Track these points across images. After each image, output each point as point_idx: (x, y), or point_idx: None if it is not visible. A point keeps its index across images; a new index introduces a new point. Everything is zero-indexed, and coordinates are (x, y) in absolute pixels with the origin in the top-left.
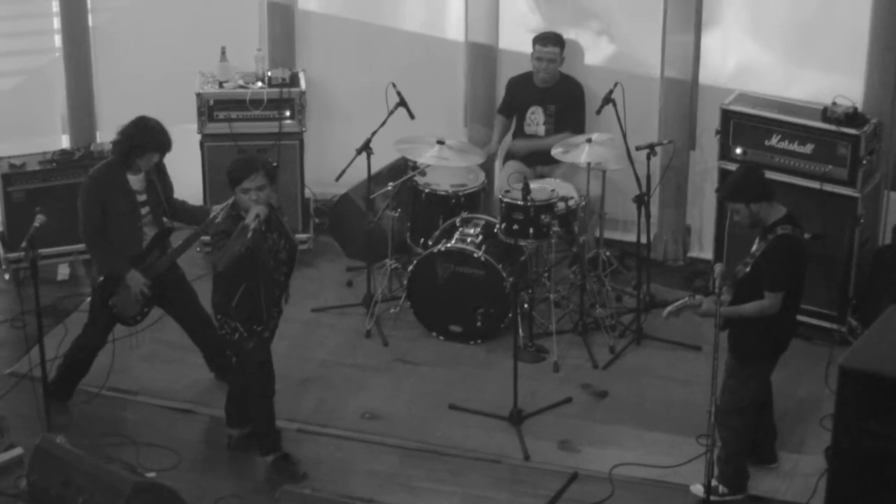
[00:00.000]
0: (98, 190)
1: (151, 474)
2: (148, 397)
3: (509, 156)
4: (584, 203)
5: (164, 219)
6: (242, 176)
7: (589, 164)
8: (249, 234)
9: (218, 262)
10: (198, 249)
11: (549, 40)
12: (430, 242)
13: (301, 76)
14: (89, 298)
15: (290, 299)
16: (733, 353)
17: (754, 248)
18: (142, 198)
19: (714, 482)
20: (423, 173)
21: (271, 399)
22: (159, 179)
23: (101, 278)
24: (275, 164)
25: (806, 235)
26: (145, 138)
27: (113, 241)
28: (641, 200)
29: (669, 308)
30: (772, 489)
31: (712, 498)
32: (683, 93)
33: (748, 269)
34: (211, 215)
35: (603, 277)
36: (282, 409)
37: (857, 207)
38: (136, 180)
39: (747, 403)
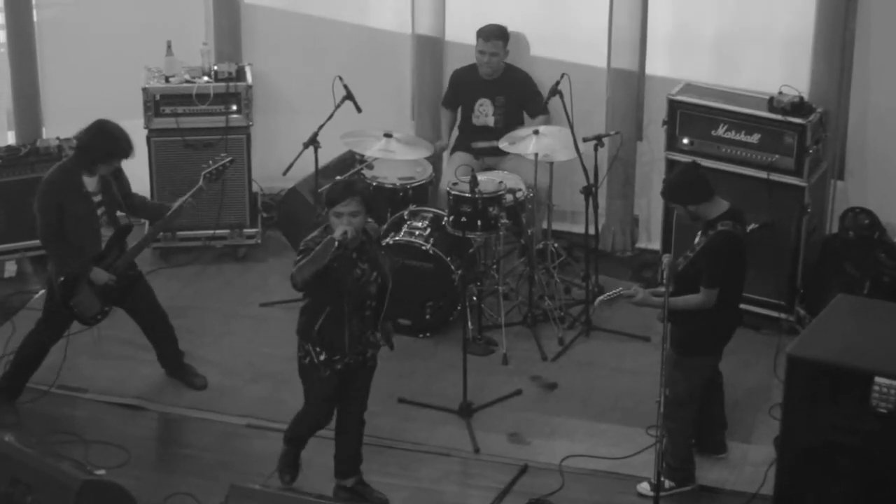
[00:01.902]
0: (55, 193)
1: (101, 472)
2: (97, 394)
3: (457, 148)
4: (531, 195)
5: (120, 215)
6: (338, 199)
7: (536, 155)
8: (334, 248)
9: (296, 275)
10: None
11: (491, 34)
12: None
13: (247, 70)
14: (40, 294)
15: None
16: (675, 345)
17: (696, 241)
18: (97, 198)
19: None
20: (370, 166)
21: (314, 429)
22: (115, 178)
23: (61, 279)
24: (227, 158)
25: (752, 225)
26: (111, 146)
27: (71, 242)
28: (589, 192)
29: (602, 297)
30: (721, 479)
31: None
32: (630, 83)
33: (687, 263)
34: (171, 210)
35: (551, 269)
36: (232, 403)
37: (804, 197)
38: (90, 181)
39: (689, 396)
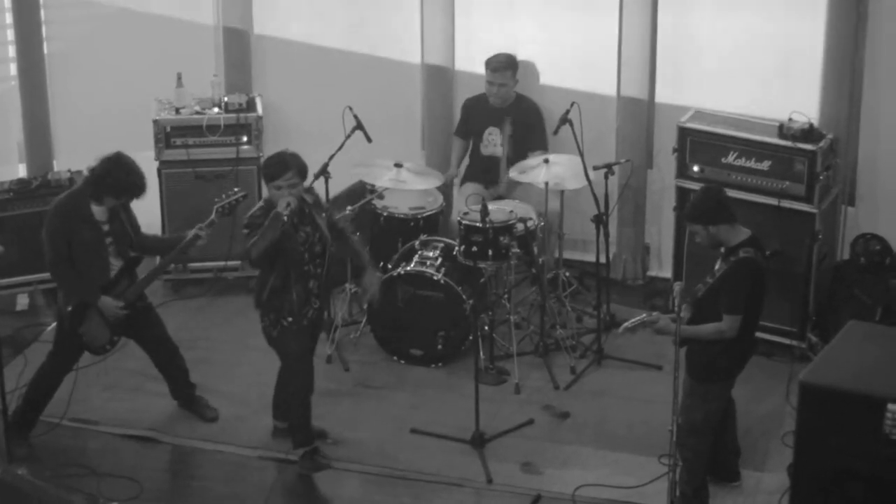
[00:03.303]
0: (63, 220)
1: None
2: (109, 426)
3: (467, 178)
4: (542, 224)
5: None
6: (276, 173)
7: (547, 184)
8: (282, 222)
9: (251, 249)
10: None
11: (500, 65)
12: (389, 266)
13: (258, 101)
14: (52, 327)
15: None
16: (690, 372)
17: (716, 267)
18: (105, 227)
19: None
20: (381, 196)
21: (308, 394)
22: (124, 209)
23: (70, 308)
24: (240, 193)
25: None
26: (124, 181)
27: (81, 272)
28: (600, 220)
29: (626, 324)
30: None
31: None
32: (640, 111)
33: (707, 290)
34: (182, 243)
35: (563, 298)
36: (243, 435)
37: (815, 223)
38: (99, 211)
39: (704, 423)
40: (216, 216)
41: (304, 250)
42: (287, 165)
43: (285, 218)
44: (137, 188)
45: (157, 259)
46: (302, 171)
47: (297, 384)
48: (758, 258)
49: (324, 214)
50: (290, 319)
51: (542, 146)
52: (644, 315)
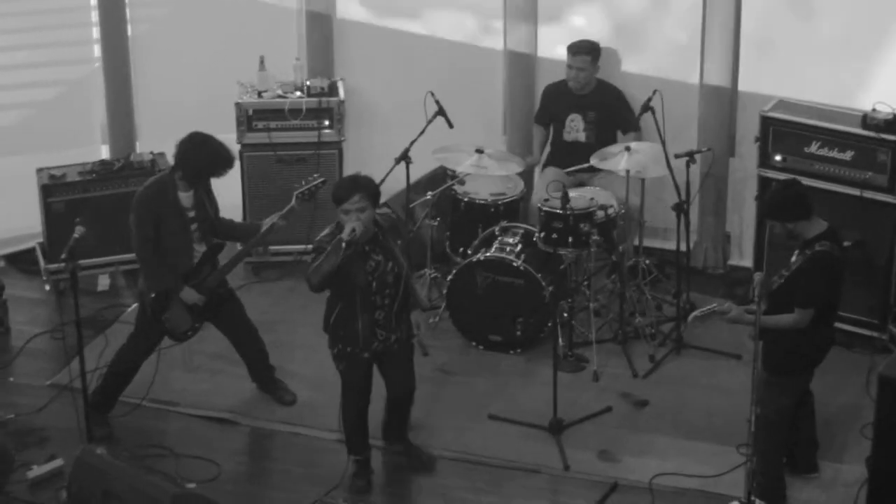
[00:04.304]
0: (150, 206)
1: (191, 485)
2: (189, 408)
3: (548, 164)
4: (623, 211)
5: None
6: (344, 196)
7: (628, 172)
8: (343, 248)
9: (311, 277)
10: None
11: (580, 49)
12: (469, 252)
13: (340, 85)
14: (132, 308)
15: (417, 330)
16: (765, 365)
17: (793, 259)
18: (191, 214)
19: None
20: (461, 182)
21: (352, 416)
22: (207, 196)
23: (153, 296)
24: (320, 179)
25: (845, 243)
26: (213, 156)
27: (165, 257)
28: (681, 208)
29: (696, 313)
30: (812, 499)
31: None
32: (723, 100)
33: (782, 282)
34: (262, 230)
35: (643, 286)
36: (321, 418)
37: None
38: (186, 197)
39: (778, 416)
40: (296, 202)
41: (371, 279)
42: (355, 188)
43: (344, 245)
44: (229, 160)
45: (238, 245)
46: (373, 195)
47: (345, 408)
48: (834, 251)
49: (400, 242)
50: (349, 349)
51: (636, 127)
52: (714, 304)
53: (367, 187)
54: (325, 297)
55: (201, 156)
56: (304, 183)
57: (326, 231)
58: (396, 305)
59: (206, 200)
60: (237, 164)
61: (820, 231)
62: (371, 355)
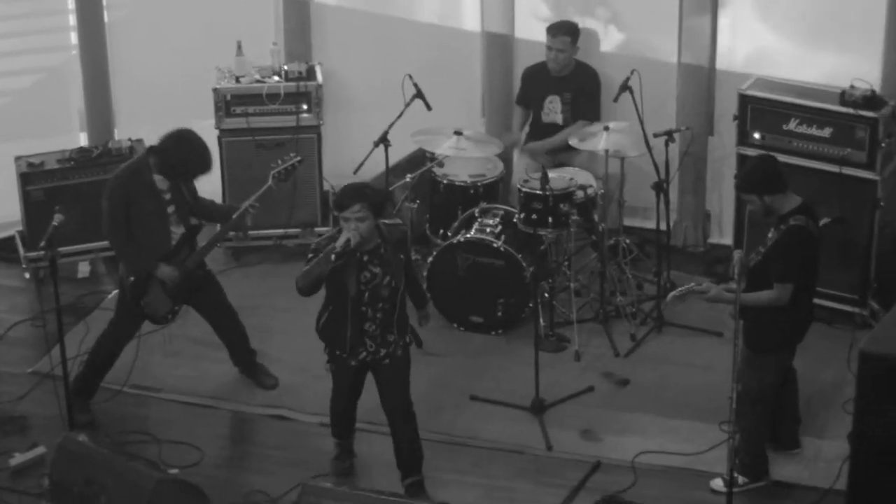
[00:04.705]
0: (123, 190)
1: (174, 471)
2: (170, 394)
3: (527, 145)
4: (602, 191)
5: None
6: (345, 203)
7: (607, 151)
8: (332, 258)
9: (299, 280)
10: (218, 245)
11: (559, 30)
12: (449, 233)
13: (317, 69)
14: (113, 295)
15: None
16: (746, 342)
17: (769, 236)
18: (167, 196)
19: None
20: (440, 164)
21: (337, 410)
22: (184, 180)
23: (132, 279)
24: (297, 158)
25: (825, 220)
26: (193, 160)
27: (142, 240)
28: (660, 187)
29: (674, 292)
30: (795, 475)
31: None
32: (701, 78)
33: (759, 259)
34: (237, 213)
35: (623, 265)
36: (304, 402)
37: (877, 190)
38: (161, 179)
39: (760, 393)
40: (273, 182)
41: (364, 290)
42: (357, 198)
43: (333, 256)
44: (205, 165)
45: (217, 227)
46: (376, 205)
47: (334, 410)
48: (809, 226)
49: (402, 256)
50: (337, 352)
51: (592, 117)
52: (692, 283)
53: (370, 197)
54: None
55: (177, 152)
56: (280, 162)
57: (327, 234)
58: (392, 317)
59: (183, 183)
60: (217, 149)
61: (794, 206)
62: (359, 364)
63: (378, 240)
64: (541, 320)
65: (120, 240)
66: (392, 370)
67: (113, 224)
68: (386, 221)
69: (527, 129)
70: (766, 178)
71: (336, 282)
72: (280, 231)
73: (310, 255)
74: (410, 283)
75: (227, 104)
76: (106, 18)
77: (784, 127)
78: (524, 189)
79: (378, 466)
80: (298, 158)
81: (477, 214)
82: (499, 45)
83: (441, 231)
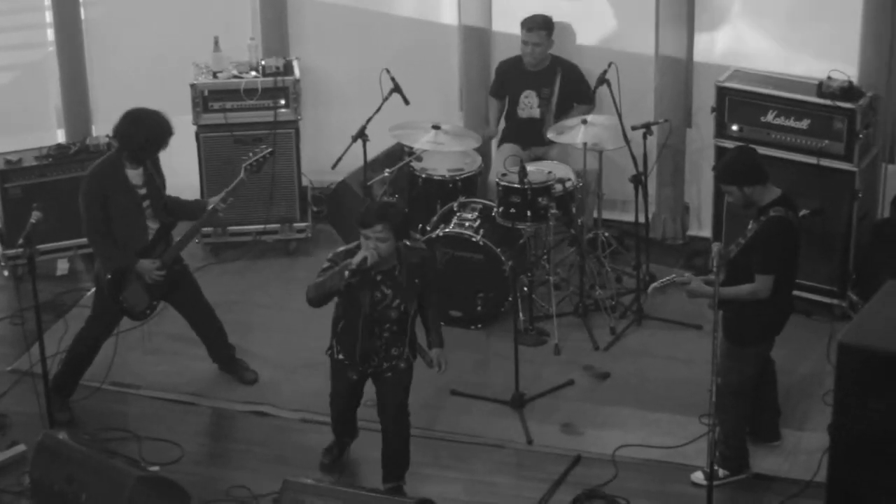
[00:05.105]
0: (98, 187)
1: (155, 468)
2: (150, 391)
3: (504, 139)
4: (581, 184)
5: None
6: (367, 222)
7: (585, 144)
8: (346, 275)
9: (310, 290)
10: (196, 241)
11: (535, 24)
12: (428, 228)
13: (295, 64)
14: (91, 292)
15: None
16: (726, 335)
17: (749, 227)
18: (142, 191)
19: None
20: (419, 159)
21: (333, 411)
22: (156, 172)
23: (109, 276)
24: (268, 150)
25: (803, 211)
26: (157, 133)
27: (118, 236)
28: (638, 180)
29: (655, 284)
30: (775, 467)
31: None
32: (678, 71)
33: (739, 250)
34: (209, 207)
35: (602, 258)
36: (284, 397)
37: (855, 182)
38: (135, 175)
39: (741, 385)
40: (245, 174)
41: (371, 311)
42: (380, 218)
43: (348, 273)
44: (170, 133)
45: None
46: (398, 227)
47: (333, 410)
48: (789, 216)
49: (417, 281)
50: (340, 357)
51: (590, 100)
52: (673, 276)
53: (393, 218)
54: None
55: (142, 131)
56: (251, 155)
57: (344, 247)
58: (400, 338)
59: (156, 176)
60: (194, 145)
61: (774, 197)
62: (359, 377)
63: (395, 262)
64: (520, 314)
65: (99, 238)
66: (392, 382)
67: (91, 221)
68: (408, 244)
69: (502, 123)
70: (746, 169)
71: (350, 296)
72: (259, 226)
73: (325, 265)
74: (425, 315)
75: (204, 100)
76: (83, 15)
77: (762, 119)
78: (502, 183)
79: (366, 463)
80: (269, 150)
81: (455, 209)
82: (476, 39)
83: (420, 225)
